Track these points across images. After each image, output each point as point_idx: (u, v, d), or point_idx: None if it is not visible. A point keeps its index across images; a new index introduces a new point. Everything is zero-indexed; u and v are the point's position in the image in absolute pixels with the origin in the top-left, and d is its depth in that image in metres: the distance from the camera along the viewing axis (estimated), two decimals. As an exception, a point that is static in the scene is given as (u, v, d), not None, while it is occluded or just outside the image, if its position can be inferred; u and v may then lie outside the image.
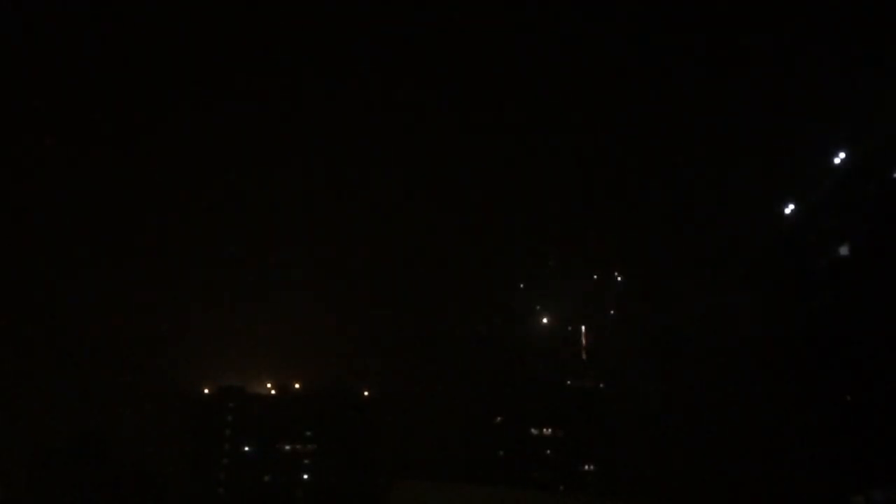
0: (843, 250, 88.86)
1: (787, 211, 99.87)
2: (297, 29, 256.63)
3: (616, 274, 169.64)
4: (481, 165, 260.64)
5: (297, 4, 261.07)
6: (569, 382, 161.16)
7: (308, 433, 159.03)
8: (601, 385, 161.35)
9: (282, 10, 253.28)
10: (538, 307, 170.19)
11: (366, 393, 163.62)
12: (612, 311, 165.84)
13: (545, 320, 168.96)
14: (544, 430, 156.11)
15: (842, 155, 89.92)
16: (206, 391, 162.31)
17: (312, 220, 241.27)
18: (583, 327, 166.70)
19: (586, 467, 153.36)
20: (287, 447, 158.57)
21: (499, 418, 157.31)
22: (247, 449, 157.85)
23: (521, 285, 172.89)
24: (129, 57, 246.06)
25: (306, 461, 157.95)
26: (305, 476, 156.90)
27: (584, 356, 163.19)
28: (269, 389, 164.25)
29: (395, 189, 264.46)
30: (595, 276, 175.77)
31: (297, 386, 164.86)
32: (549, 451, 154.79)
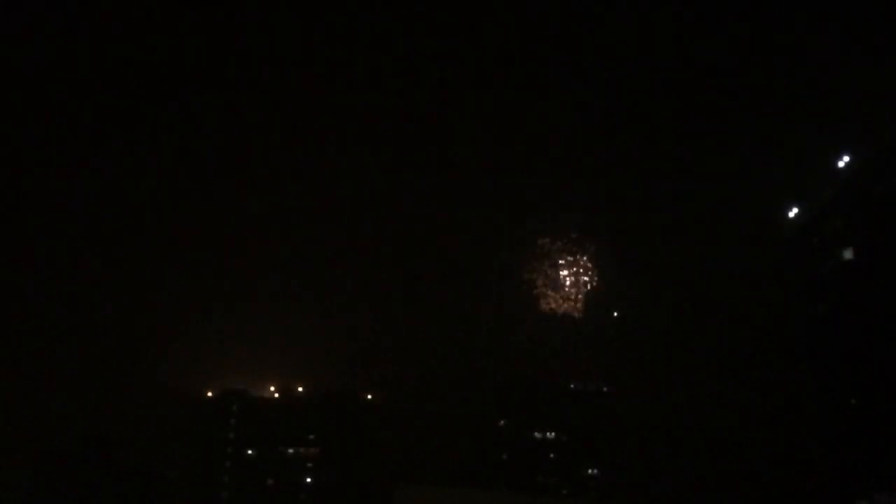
0: (847, 254, 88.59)
1: (791, 214, 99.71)
2: (295, 30, 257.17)
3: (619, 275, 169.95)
4: (481, 165, 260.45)
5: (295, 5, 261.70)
6: (572, 386, 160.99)
7: (311, 436, 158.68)
8: (604, 389, 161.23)
9: (279, 11, 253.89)
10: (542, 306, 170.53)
11: (369, 396, 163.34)
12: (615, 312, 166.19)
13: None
14: (547, 433, 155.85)
15: (846, 158, 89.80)
16: (210, 394, 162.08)
17: (316, 224, 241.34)
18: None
19: (590, 471, 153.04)
20: (290, 450, 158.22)
21: (502, 422, 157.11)
22: (250, 452, 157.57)
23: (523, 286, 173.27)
24: (130, 60, 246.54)
25: (309, 464, 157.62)
26: (308, 479, 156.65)
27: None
28: (273, 392, 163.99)
29: (397, 193, 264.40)
30: (599, 281, 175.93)
31: (300, 389, 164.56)
32: (552, 455, 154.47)
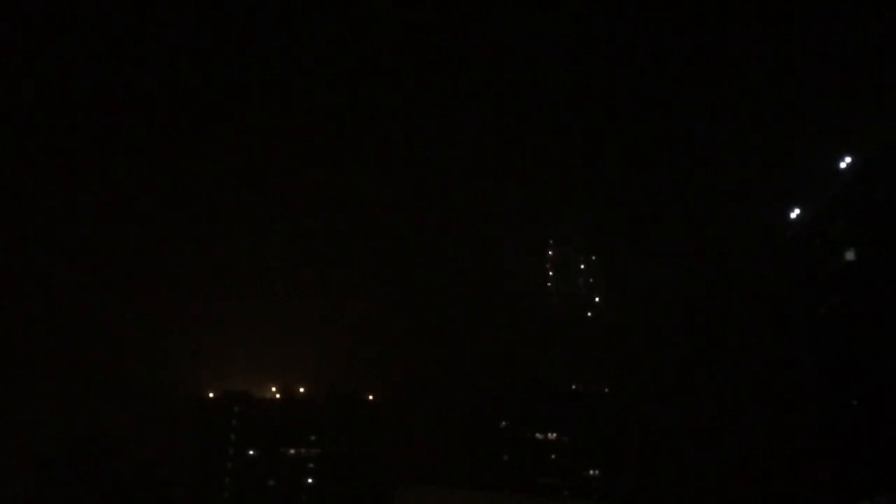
0: (849, 254, 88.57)
1: (794, 215, 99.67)
2: (295, 30, 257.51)
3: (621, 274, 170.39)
4: (484, 166, 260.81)
5: (296, 6, 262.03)
6: (573, 387, 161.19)
7: (312, 437, 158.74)
8: (605, 390, 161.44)
9: (279, 12, 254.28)
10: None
11: (370, 397, 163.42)
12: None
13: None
14: (549, 434, 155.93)
15: (847, 160, 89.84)
16: (211, 395, 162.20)
17: (318, 225, 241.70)
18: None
19: (591, 472, 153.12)
20: (291, 451, 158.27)
21: (503, 422, 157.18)
22: (251, 453, 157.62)
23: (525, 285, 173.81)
24: (132, 62, 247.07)
25: (311, 465, 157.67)
26: (310, 480, 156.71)
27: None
28: (274, 393, 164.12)
29: (398, 194, 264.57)
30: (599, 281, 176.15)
31: (301, 390, 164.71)
32: (553, 456, 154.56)
